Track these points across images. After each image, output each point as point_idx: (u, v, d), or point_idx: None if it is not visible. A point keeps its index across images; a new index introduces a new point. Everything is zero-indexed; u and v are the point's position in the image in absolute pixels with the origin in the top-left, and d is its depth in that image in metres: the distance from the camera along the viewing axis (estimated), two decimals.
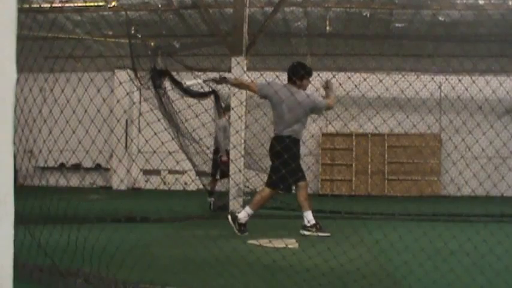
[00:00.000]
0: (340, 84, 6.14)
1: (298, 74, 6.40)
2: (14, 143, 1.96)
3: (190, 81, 6.75)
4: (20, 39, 1.99)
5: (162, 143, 4.67)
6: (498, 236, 5.19)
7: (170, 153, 5.99)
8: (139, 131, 14.37)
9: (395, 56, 12.58)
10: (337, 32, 11.28)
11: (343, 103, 9.54)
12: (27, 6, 8.36)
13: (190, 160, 9.46)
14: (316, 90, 6.98)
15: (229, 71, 8.55)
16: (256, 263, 4.37)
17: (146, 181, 15.17)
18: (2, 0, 1.86)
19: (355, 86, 5.54)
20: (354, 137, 14.21)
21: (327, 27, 10.91)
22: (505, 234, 5.46)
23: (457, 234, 5.06)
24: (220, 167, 9.18)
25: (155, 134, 4.73)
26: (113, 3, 9.45)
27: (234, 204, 8.32)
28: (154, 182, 15.12)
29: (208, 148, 9.72)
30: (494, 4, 9.75)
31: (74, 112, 4.53)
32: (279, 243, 5.31)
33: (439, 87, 13.31)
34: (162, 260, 4.71)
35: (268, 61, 12.46)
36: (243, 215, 6.36)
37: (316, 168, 14.22)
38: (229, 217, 6.43)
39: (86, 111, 4.67)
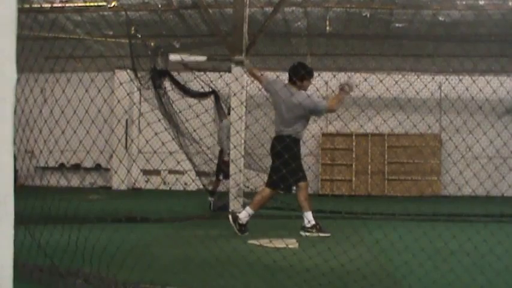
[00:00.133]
0: (340, 85, 6.15)
1: (299, 75, 6.40)
2: (15, 143, 1.96)
3: (197, 57, 6.67)
4: (21, 39, 1.99)
5: (163, 143, 4.66)
6: (498, 236, 5.19)
7: (171, 153, 6.00)
8: (140, 132, 14.37)
9: (396, 56, 12.58)
10: (337, 32, 11.27)
11: (343, 103, 9.53)
12: (28, 6, 8.37)
13: (191, 160, 9.46)
14: (317, 90, 6.96)
15: (229, 71, 8.55)
16: (256, 263, 4.37)
17: (146, 181, 15.17)
18: (2, 0, 1.86)
19: (356, 86, 5.54)
20: (354, 137, 14.21)
21: (327, 27, 10.91)
22: (505, 234, 5.46)
23: (457, 234, 5.06)
24: (221, 167, 9.19)
25: (155, 134, 4.73)
26: (113, 3, 9.45)
27: (234, 204, 8.32)
28: (154, 182, 15.13)
29: (208, 148, 9.72)
30: (494, 4, 9.75)
31: (74, 112, 4.53)
32: (279, 243, 5.31)
33: (439, 87, 13.31)
34: (162, 260, 4.71)
35: (268, 61, 12.46)
36: (244, 215, 6.36)
37: (316, 168, 14.22)
38: (230, 217, 6.43)
39: (86, 111, 4.67)
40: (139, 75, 8.44)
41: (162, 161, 6.54)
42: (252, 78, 7.10)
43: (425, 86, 6.56)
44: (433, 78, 11.19)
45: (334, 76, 6.64)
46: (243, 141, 8.63)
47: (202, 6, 9.38)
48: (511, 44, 10.94)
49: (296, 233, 6.36)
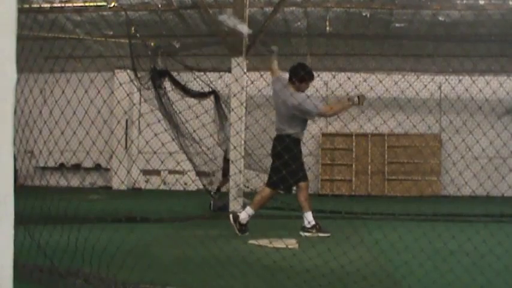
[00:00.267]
0: (340, 85, 6.15)
1: (298, 75, 6.39)
2: (14, 144, 1.96)
3: (243, 26, 6.58)
4: (20, 39, 1.99)
5: (162, 144, 4.67)
6: (498, 236, 5.19)
7: (170, 154, 6.00)
8: (140, 133, 14.37)
9: (395, 56, 12.57)
10: (337, 32, 11.27)
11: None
12: (28, 6, 8.36)
13: (191, 161, 9.46)
14: (317, 90, 6.96)
15: (230, 71, 8.56)
16: (256, 264, 4.37)
17: (146, 181, 15.17)
18: (2, 0, 1.86)
19: (355, 87, 5.54)
20: (354, 137, 14.21)
21: (327, 27, 10.90)
22: (505, 234, 5.46)
23: (456, 234, 5.06)
24: (228, 166, 9.20)
25: (155, 135, 4.73)
26: (113, 3, 9.44)
27: (234, 204, 8.32)
28: (154, 183, 15.13)
29: (208, 149, 9.72)
30: (494, 4, 9.75)
31: (74, 113, 4.53)
32: (279, 244, 5.31)
33: (439, 88, 13.31)
34: (162, 260, 4.71)
35: (268, 61, 12.44)
36: (244, 215, 6.37)
37: (316, 169, 14.21)
38: (231, 217, 6.44)
39: (86, 112, 4.67)
40: (139, 75, 8.43)
41: (162, 162, 6.55)
42: (270, 70, 7.08)
43: (425, 86, 6.55)
44: (432, 78, 11.19)
45: (334, 77, 6.62)
46: (243, 141, 8.63)
47: (202, 6, 9.37)
48: (510, 44, 10.94)
49: (296, 233, 6.36)
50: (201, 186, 10.59)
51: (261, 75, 5.28)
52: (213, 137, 9.66)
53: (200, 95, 10.21)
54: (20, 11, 1.95)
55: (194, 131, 8.81)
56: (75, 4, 9.68)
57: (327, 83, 12.22)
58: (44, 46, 5.11)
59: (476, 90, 6.07)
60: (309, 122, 6.64)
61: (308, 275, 3.97)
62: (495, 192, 7.91)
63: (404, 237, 5.26)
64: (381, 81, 6.55)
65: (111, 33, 11.41)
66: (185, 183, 14.52)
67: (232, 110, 8.42)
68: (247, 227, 6.40)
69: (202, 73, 9.67)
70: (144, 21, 10.66)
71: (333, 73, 7.37)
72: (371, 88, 5.72)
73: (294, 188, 6.56)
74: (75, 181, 15.06)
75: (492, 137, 6.78)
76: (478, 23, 10.41)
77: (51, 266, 3.89)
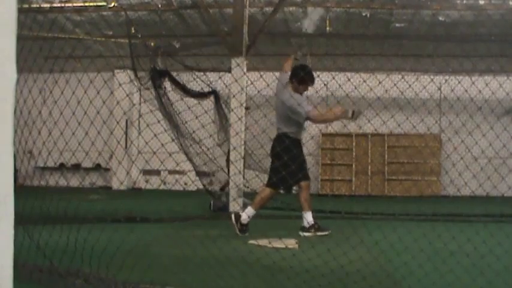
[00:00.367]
0: (340, 86, 6.15)
1: (298, 76, 6.39)
2: (14, 144, 1.96)
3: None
4: (20, 39, 1.99)
5: (162, 144, 4.67)
6: (498, 237, 5.19)
7: (170, 154, 6.00)
8: (139, 133, 14.37)
9: (395, 56, 12.58)
10: (337, 32, 11.27)
11: (343, 104, 9.54)
12: (27, 6, 8.36)
13: (191, 161, 9.46)
14: (317, 92, 6.96)
15: (230, 71, 8.56)
16: (256, 264, 4.37)
17: (146, 181, 15.16)
18: (2, 0, 1.86)
19: (355, 87, 5.54)
20: (353, 137, 14.20)
21: (327, 27, 10.91)
22: (504, 235, 5.46)
23: (456, 234, 5.06)
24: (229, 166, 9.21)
25: (155, 135, 4.73)
26: (113, 3, 9.44)
27: (234, 205, 8.32)
28: (154, 183, 15.13)
29: (208, 149, 9.72)
30: (494, 4, 9.75)
31: (73, 113, 4.52)
32: (279, 244, 5.31)
33: (439, 89, 13.31)
34: (162, 260, 4.71)
35: (268, 61, 12.45)
36: (245, 216, 6.39)
37: (316, 169, 14.21)
38: (233, 217, 6.47)
39: (85, 112, 4.67)
40: (139, 75, 8.43)
41: (162, 162, 6.55)
42: (283, 65, 7.06)
43: (425, 87, 6.56)
44: (432, 79, 11.18)
45: (333, 78, 6.62)
46: (243, 142, 8.64)
47: (202, 6, 9.38)
48: (510, 44, 10.94)
49: (296, 233, 6.36)
50: (201, 186, 10.59)
51: (261, 76, 5.28)
52: (212, 137, 9.66)
53: (200, 95, 10.21)
54: (20, 11, 1.95)
55: (194, 131, 8.80)
56: (75, 4, 9.68)
57: (326, 84, 12.22)
58: (43, 46, 5.11)
59: (476, 90, 6.07)
60: (309, 122, 6.64)
61: (308, 275, 3.97)
62: (495, 193, 7.92)
63: (404, 238, 5.25)
64: (380, 83, 6.55)
65: (111, 33, 11.41)
66: (185, 183, 14.52)
67: (232, 110, 8.42)
68: (248, 227, 6.40)
69: (202, 73, 9.67)
70: (144, 21, 10.66)
71: (333, 73, 7.38)
72: (371, 89, 5.72)
73: (295, 188, 6.56)
74: (74, 181, 15.05)
75: (492, 138, 6.78)
76: (478, 23, 10.41)
77: (51, 266, 3.89)
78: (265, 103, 6.67)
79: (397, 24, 10.97)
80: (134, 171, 14.85)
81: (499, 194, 7.51)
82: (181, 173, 14.19)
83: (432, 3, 9.84)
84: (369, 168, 14.24)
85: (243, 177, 9.67)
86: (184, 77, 9.82)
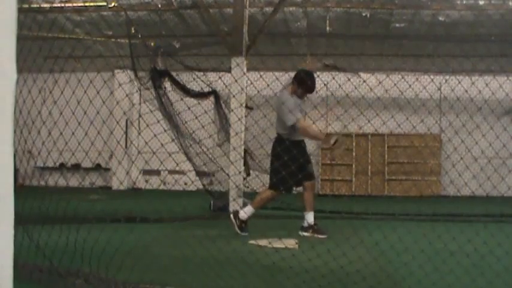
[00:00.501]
0: (340, 86, 6.14)
1: (297, 78, 6.37)
2: (14, 143, 1.95)
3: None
4: (20, 39, 1.99)
5: (162, 144, 4.66)
6: (498, 237, 5.19)
7: (170, 154, 5.99)
8: (139, 133, 14.36)
9: (395, 56, 12.58)
10: (337, 32, 11.27)
11: (343, 104, 9.53)
12: (27, 6, 8.36)
13: (191, 161, 9.46)
14: (316, 92, 6.93)
15: (230, 71, 8.55)
16: (255, 264, 4.37)
17: (146, 181, 15.16)
18: (2, 0, 1.86)
19: (355, 87, 5.54)
20: (354, 137, 14.20)
21: (327, 27, 10.91)
22: (505, 235, 5.46)
23: (456, 235, 5.06)
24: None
25: (155, 135, 4.73)
26: (113, 3, 9.43)
27: (234, 205, 8.32)
28: (154, 183, 15.12)
29: (208, 149, 9.72)
30: (494, 4, 9.75)
31: (73, 113, 4.52)
32: (278, 244, 5.30)
33: (439, 89, 13.30)
34: (162, 260, 4.70)
35: (268, 61, 12.45)
36: (243, 213, 6.45)
37: (316, 169, 14.18)
38: (232, 214, 6.52)
39: (85, 112, 4.66)
40: (139, 75, 8.43)
41: (162, 162, 6.54)
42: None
43: (425, 87, 6.55)
44: (432, 79, 11.17)
45: (334, 78, 6.61)
46: (242, 142, 8.63)
47: (202, 6, 9.38)
48: (510, 44, 10.94)
49: (295, 233, 6.36)
50: (201, 186, 10.58)
51: (261, 76, 5.27)
52: (212, 137, 9.66)
53: (200, 95, 10.20)
54: (19, 10, 1.95)
55: (194, 131, 8.80)
56: (75, 4, 9.68)
57: (327, 84, 12.20)
58: (43, 46, 5.10)
59: (476, 91, 6.07)
60: (309, 121, 6.65)
61: (307, 275, 3.96)
62: (495, 193, 7.91)
63: (404, 238, 5.25)
64: (380, 83, 6.54)
65: (111, 33, 11.41)
66: (185, 183, 14.51)
67: (232, 110, 8.41)
68: (247, 227, 6.41)
69: (202, 73, 9.67)
70: (144, 21, 10.66)
71: (333, 73, 7.37)
72: (371, 89, 5.71)
73: (295, 188, 6.57)
74: (74, 181, 15.04)
75: (492, 138, 6.77)
76: (478, 23, 10.41)
77: (50, 266, 3.89)
78: (265, 103, 6.66)
79: (397, 24, 10.98)
80: (134, 171, 14.85)
81: (499, 194, 7.51)
82: (181, 173, 14.19)
83: (432, 3, 9.85)
84: (369, 168, 14.24)
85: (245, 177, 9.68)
86: (184, 77, 9.81)
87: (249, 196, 9.76)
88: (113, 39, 11.42)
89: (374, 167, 14.24)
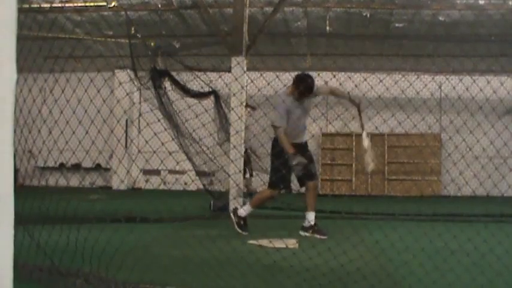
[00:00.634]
0: (340, 84, 6.14)
1: (297, 78, 6.38)
2: (14, 143, 1.95)
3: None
4: (20, 39, 1.99)
5: (162, 143, 4.67)
6: (498, 236, 5.19)
7: (170, 153, 5.99)
8: (139, 132, 14.36)
9: (396, 56, 12.57)
10: (337, 32, 11.26)
11: (344, 103, 9.52)
12: (27, 6, 8.36)
13: (191, 160, 9.46)
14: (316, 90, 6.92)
15: (230, 71, 8.55)
16: (256, 264, 4.37)
17: (146, 181, 15.16)
18: (2, 0, 1.86)
19: (356, 86, 5.54)
20: (354, 137, 14.20)
21: (327, 27, 10.90)
22: (505, 234, 5.46)
23: (457, 234, 5.06)
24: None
25: (155, 134, 4.73)
26: (113, 3, 9.43)
27: (234, 204, 8.32)
28: (154, 182, 15.12)
29: (208, 148, 9.72)
30: (494, 4, 9.75)
31: (74, 112, 4.52)
32: (279, 244, 5.30)
33: (440, 87, 13.30)
34: (162, 260, 4.70)
35: (268, 61, 12.45)
36: (241, 211, 6.55)
37: (316, 169, 14.21)
38: (231, 212, 6.61)
39: (85, 111, 4.66)
40: (139, 75, 8.43)
41: (162, 161, 6.55)
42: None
43: (426, 85, 6.56)
44: (433, 78, 11.18)
45: (334, 76, 6.61)
46: (242, 140, 8.63)
47: (202, 6, 9.37)
48: (511, 44, 10.94)
49: (296, 233, 6.36)
50: (201, 186, 10.59)
51: (261, 75, 5.28)
52: (212, 136, 9.66)
53: (200, 95, 10.21)
54: (20, 10, 1.95)
55: (194, 130, 8.81)
56: (75, 4, 9.68)
57: (326, 83, 12.19)
58: (43, 46, 5.11)
59: (477, 89, 6.06)
60: (309, 121, 6.67)
61: (308, 274, 3.96)
62: (495, 192, 7.91)
63: (404, 237, 5.25)
64: (381, 81, 6.54)
65: (111, 33, 11.41)
66: (185, 183, 14.51)
67: (232, 109, 8.41)
68: (247, 226, 6.43)
69: (202, 73, 9.67)
70: (144, 21, 10.66)
71: (333, 73, 7.37)
72: (371, 87, 5.71)
73: (295, 188, 6.60)
74: (74, 181, 15.04)
75: (492, 137, 6.78)
76: (478, 23, 10.41)
77: (51, 266, 3.89)
78: (265, 102, 6.66)
79: (397, 24, 10.97)
80: (134, 171, 14.85)
81: (500, 194, 7.51)
82: (181, 172, 14.19)
83: (432, 3, 9.84)
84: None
85: (247, 176, 9.69)
86: (184, 77, 9.82)
87: (249, 196, 9.79)
88: (113, 39, 11.42)
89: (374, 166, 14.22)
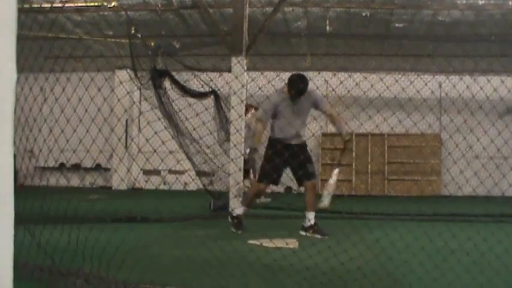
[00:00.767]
0: (341, 82, 6.14)
1: (287, 81, 6.44)
2: (14, 143, 1.96)
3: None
4: (20, 39, 1.99)
5: (163, 142, 4.67)
6: (498, 236, 5.19)
7: (170, 152, 6.00)
8: (140, 131, 14.36)
9: (395, 56, 12.57)
10: (337, 32, 11.27)
11: (344, 103, 9.54)
12: (28, 6, 8.36)
13: (191, 160, 9.46)
14: (317, 87, 6.94)
15: (230, 71, 8.55)
16: (256, 263, 4.37)
17: (146, 181, 15.16)
18: (2, 0, 1.86)
19: (356, 84, 5.54)
20: (353, 136, 14.19)
21: (327, 27, 10.90)
22: (505, 234, 5.47)
23: (457, 233, 5.06)
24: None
25: (155, 133, 4.73)
26: (113, 3, 9.44)
27: (234, 203, 8.31)
28: (154, 182, 15.12)
29: (208, 147, 9.73)
30: (494, 4, 9.74)
31: (74, 111, 4.53)
32: (279, 243, 5.31)
33: (440, 86, 13.31)
34: (162, 260, 4.71)
35: (268, 61, 12.45)
36: (237, 210, 6.80)
37: (316, 168, 14.20)
38: (230, 211, 6.71)
39: (86, 111, 4.67)
40: (139, 74, 8.43)
41: (162, 160, 6.56)
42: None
43: (426, 84, 6.56)
44: (433, 76, 11.18)
45: (335, 75, 6.62)
46: (243, 140, 8.63)
47: (202, 6, 9.37)
48: (511, 44, 10.94)
49: (296, 232, 6.37)
50: (201, 186, 10.59)
51: (261, 73, 5.28)
52: (213, 135, 9.67)
53: (200, 95, 10.21)
54: (20, 10, 1.95)
55: (194, 129, 8.80)
56: (75, 4, 9.68)
57: (327, 81, 12.22)
58: (44, 46, 5.11)
59: (477, 88, 6.06)
60: (309, 121, 6.68)
61: (308, 272, 3.97)
62: (495, 192, 7.91)
63: (404, 236, 5.25)
64: (381, 79, 6.54)
65: (111, 33, 11.41)
66: (185, 183, 14.52)
67: (233, 108, 8.41)
68: (242, 225, 6.49)
69: (202, 73, 9.67)
70: (144, 21, 10.66)
71: (333, 73, 7.38)
72: (371, 86, 5.72)
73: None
74: (75, 181, 15.05)
75: (493, 136, 6.78)
76: (479, 23, 10.40)
77: (51, 266, 3.89)
78: (265, 101, 6.67)
79: (397, 24, 10.97)
80: (134, 170, 14.85)
81: (500, 193, 7.51)
82: (182, 172, 14.19)
83: (432, 3, 9.84)
84: (369, 168, 14.24)
85: (251, 177, 9.69)
86: (185, 76, 9.82)
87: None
88: (113, 39, 11.42)
89: (374, 166, 14.24)
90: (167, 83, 9.05)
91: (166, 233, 6.65)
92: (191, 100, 8.92)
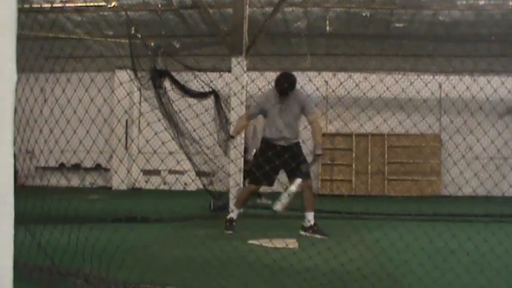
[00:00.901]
0: (340, 83, 6.14)
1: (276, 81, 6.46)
2: (15, 143, 1.96)
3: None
4: (21, 39, 1.99)
5: (163, 143, 4.67)
6: (498, 236, 5.19)
7: (170, 153, 6.01)
8: (140, 131, 14.36)
9: (395, 56, 12.58)
10: (337, 32, 11.27)
11: (344, 103, 9.53)
12: (28, 6, 8.36)
13: (191, 160, 9.47)
14: (317, 89, 6.95)
15: (230, 71, 8.56)
16: (256, 263, 4.37)
17: (146, 181, 15.17)
18: (2, 1, 1.86)
19: (356, 85, 5.54)
20: (354, 137, 14.20)
21: (327, 27, 10.91)
22: (505, 234, 5.46)
23: (457, 233, 5.06)
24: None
25: (155, 134, 4.73)
26: (113, 3, 9.43)
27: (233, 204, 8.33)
28: (154, 182, 15.12)
29: (208, 148, 9.72)
30: (494, 4, 9.75)
31: (74, 112, 4.53)
32: (279, 243, 5.31)
33: (440, 87, 13.30)
34: (162, 260, 4.71)
35: (268, 61, 12.45)
36: (231, 214, 6.74)
37: (316, 168, 14.21)
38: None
39: (86, 111, 4.67)
40: (139, 75, 8.43)
41: (162, 161, 6.57)
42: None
43: (426, 85, 6.56)
44: (433, 77, 11.17)
45: (335, 75, 6.63)
46: (243, 141, 8.63)
47: (202, 6, 9.37)
48: (511, 44, 10.94)
49: (296, 233, 6.37)
50: (201, 186, 10.59)
51: (261, 74, 5.28)
52: (213, 135, 9.67)
53: (200, 95, 10.21)
54: (20, 10, 1.95)
55: (194, 129, 8.81)
56: (75, 4, 9.68)
57: (327, 82, 12.23)
58: (44, 46, 5.11)
59: (477, 89, 6.06)
60: (307, 121, 6.69)
61: (308, 273, 3.97)
62: (496, 192, 7.90)
63: (404, 237, 5.25)
64: (381, 80, 6.54)
65: (111, 33, 11.41)
66: (185, 183, 14.52)
67: (233, 109, 8.41)
68: (233, 226, 6.51)
69: (202, 73, 9.67)
70: (144, 21, 10.66)
71: (333, 73, 7.38)
72: (372, 87, 5.72)
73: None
74: (75, 181, 15.05)
75: (493, 137, 6.77)
76: (478, 23, 10.41)
77: (51, 266, 3.89)
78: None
79: (397, 24, 10.97)
80: (134, 171, 14.85)
81: (500, 194, 7.50)
82: (182, 173, 14.19)
83: (432, 3, 9.84)
84: (369, 168, 14.24)
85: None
86: (185, 77, 9.82)
87: (260, 197, 9.82)
88: (113, 39, 11.42)
89: (374, 166, 14.24)
90: (167, 83, 9.05)
91: (166, 233, 6.65)
92: (191, 101, 8.92)
